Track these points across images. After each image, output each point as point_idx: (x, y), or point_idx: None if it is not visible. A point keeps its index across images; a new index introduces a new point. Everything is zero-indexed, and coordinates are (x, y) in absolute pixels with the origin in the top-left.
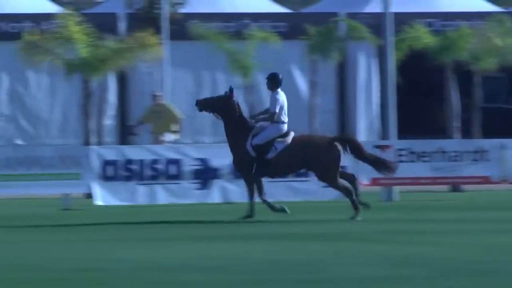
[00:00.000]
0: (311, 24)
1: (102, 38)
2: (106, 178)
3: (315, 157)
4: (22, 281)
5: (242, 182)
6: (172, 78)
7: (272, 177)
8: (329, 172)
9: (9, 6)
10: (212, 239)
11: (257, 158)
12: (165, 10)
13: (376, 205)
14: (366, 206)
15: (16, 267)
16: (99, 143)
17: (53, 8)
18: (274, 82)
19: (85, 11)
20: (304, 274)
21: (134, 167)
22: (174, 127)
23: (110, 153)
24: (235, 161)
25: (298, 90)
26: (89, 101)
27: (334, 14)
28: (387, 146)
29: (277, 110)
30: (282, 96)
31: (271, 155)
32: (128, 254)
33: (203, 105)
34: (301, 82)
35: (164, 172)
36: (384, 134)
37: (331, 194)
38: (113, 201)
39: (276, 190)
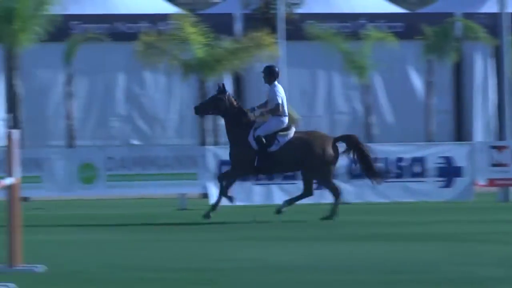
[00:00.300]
0: (427, 24)
1: (218, 39)
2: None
3: (315, 154)
4: (137, 281)
5: (357, 183)
6: (287, 78)
7: (272, 173)
8: (324, 171)
9: (125, 6)
10: (326, 240)
11: (259, 151)
12: (281, 11)
13: (493, 206)
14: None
15: (132, 267)
16: (215, 143)
17: (170, 9)
18: (270, 75)
19: (201, 12)
20: (420, 274)
21: None
22: None
23: (226, 153)
24: (233, 156)
25: (414, 91)
26: None
27: (450, 14)
28: (503, 147)
29: (280, 101)
30: (280, 88)
31: (274, 148)
32: (242, 254)
33: (202, 109)
34: (417, 83)
35: None
36: (501, 135)
37: (447, 194)
38: (228, 201)
39: (392, 191)
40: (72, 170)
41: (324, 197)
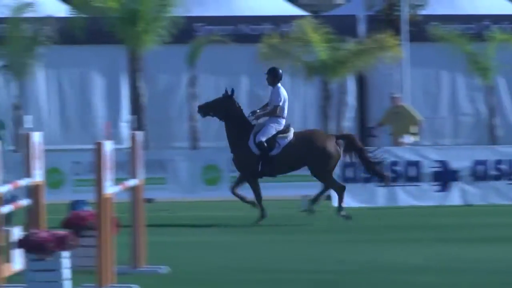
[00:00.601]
0: None
1: (342, 40)
2: (345, 179)
3: (316, 153)
4: (260, 282)
5: (482, 184)
6: (411, 80)
7: (275, 175)
8: (326, 170)
9: (249, 8)
10: (449, 241)
11: (261, 156)
12: (405, 12)
13: None
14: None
15: (254, 269)
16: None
17: (293, 10)
18: (274, 77)
19: (325, 14)
20: None
21: None
22: (413, 129)
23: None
24: (236, 161)
25: None
26: (329, 103)
27: None
28: None
29: (280, 103)
30: (283, 90)
31: (275, 151)
32: (364, 256)
33: (205, 109)
34: None
35: (404, 174)
36: None
37: None
38: (353, 203)
39: (510, 190)
40: (196, 171)
41: (447, 199)
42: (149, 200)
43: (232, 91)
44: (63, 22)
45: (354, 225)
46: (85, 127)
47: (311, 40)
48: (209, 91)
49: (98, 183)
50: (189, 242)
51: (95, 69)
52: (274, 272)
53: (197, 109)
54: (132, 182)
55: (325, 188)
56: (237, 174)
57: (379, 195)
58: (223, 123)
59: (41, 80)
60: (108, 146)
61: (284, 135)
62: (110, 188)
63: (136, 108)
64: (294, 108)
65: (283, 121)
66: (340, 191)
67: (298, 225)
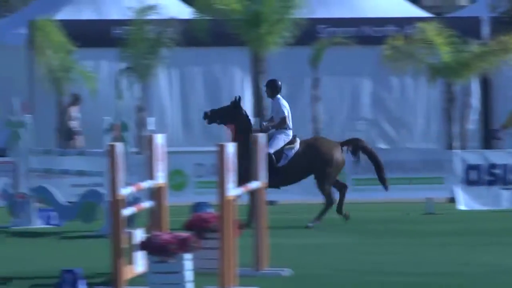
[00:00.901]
0: None
1: (466, 42)
2: (469, 182)
3: (320, 160)
4: (382, 284)
5: None
6: None
7: (279, 186)
8: (328, 177)
9: (372, 10)
10: None
11: (269, 168)
12: None
13: None
14: (346, 217)
15: (376, 271)
16: (462, 147)
17: (416, 12)
18: (273, 89)
19: (448, 15)
20: None
21: (497, 171)
22: None
23: (474, 158)
24: (242, 170)
25: None
26: (452, 105)
27: None
28: None
29: (286, 114)
30: (284, 101)
31: (282, 162)
32: (488, 258)
33: (212, 117)
34: None
35: None
36: None
37: None
38: (476, 206)
39: None
40: None
41: None
42: (271, 202)
43: (239, 98)
44: (187, 24)
45: (478, 228)
46: (208, 129)
47: (435, 42)
48: (332, 93)
49: (220, 185)
50: (311, 244)
51: (216, 71)
52: (397, 275)
53: (203, 115)
54: (254, 185)
55: (327, 204)
56: (359, 176)
57: (503, 198)
58: (346, 125)
59: (164, 82)
60: (231, 148)
61: (291, 146)
62: (232, 190)
63: (259, 110)
64: (416, 110)
65: (290, 132)
66: (327, 206)
67: (421, 228)
